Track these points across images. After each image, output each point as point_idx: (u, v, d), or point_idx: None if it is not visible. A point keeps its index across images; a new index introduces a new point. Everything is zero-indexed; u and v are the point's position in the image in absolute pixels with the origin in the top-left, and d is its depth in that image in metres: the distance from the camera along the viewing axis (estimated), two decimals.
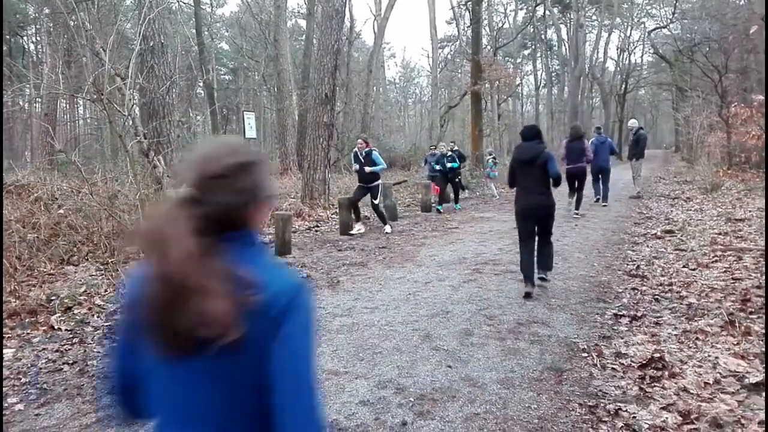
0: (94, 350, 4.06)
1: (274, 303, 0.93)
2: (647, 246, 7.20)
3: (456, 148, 12.96)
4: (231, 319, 0.88)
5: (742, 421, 2.69)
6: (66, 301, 5.01)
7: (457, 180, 12.50)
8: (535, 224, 5.15)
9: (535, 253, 5.21)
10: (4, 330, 4.40)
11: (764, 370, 3.13)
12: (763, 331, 3.74)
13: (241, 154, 1.01)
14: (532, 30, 39.68)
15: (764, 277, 4.97)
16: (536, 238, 5.21)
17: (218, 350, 0.89)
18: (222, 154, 1.01)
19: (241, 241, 1.00)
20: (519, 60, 44.80)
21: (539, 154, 5.02)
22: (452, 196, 12.56)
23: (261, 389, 0.93)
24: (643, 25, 37.87)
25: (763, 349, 3.41)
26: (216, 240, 0.95)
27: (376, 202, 9.06)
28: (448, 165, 12.15)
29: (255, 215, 1.03)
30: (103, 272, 6.03)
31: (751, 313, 4.17)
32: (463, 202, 12.98)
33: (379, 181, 9.11)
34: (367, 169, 8.80)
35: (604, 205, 11.22)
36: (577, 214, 9.95)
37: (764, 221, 7.15)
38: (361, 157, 8.96)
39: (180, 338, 0.91)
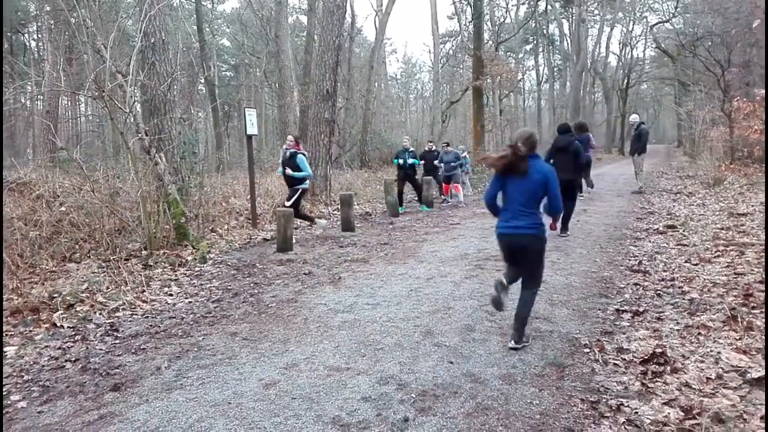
0: (96, 347, 4.07)
1: (544, 169, 3.66)
2: (649, 241, 7.18)
3: (435, 148, 12.07)
4: (527, 168, 3.62)
5: (744, 416, 2.69)
6: (68, 298, 5.02)
7: (417, 178, 11.51)
8: (565, 191, 6.85)
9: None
10: (7, 327, 4.42)
11: (766, 365, 3.13)
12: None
13: (530, 131, 3.76)
14: (533, 25, 39.58)
15: (766, 271, 4.95)
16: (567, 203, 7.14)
17: (528, 176, 3.63)
18: (526, 131, 3.76)
19: (533, 156, 3.66)
20: (521, 55, 44.70)
21: (571, 144, 7.40)
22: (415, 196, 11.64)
23: (543, 190, 3.64)
24: (645, 20, 37.79)
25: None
26: (527, 155, 3.66)
27: (287, 204, 8.12)
28: (409, 161, 11.15)
29: (534, 149, 3.67)
30: (105, 269, 6.04)
31: (753, 308, 4.16)
32: (464, 198, 12.57)
33: (302, 187, 8.17)
34: (288, 171, 8.06)
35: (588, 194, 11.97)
36: (581, 196, 10.96)
37: (766, 216, 7.12)
38: (285, 157, 8.18)
39: (519, 173, 3.64)
